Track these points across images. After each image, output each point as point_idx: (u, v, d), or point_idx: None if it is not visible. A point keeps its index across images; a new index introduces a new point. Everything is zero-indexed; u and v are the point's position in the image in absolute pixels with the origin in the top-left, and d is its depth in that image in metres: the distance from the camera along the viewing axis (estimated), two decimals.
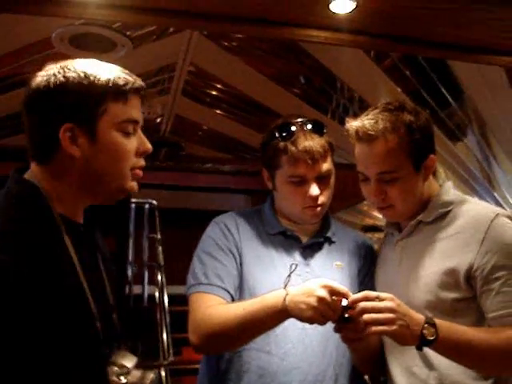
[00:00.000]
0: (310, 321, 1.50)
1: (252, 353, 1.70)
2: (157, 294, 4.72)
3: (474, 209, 1.66)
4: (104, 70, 1.22)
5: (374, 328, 1.44)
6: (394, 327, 1.43)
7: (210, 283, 1.70)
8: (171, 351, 4.32)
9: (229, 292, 1.71)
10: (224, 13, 2.17)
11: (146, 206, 5.20)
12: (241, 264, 1.76)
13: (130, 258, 4.86)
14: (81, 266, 1.19)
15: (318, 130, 1.77)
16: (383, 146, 1.61)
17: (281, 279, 1.64)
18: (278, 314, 1.53)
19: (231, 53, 2.77)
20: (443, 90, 3.18)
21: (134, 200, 4.89)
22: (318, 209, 1.78)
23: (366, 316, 1.44)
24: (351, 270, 1.83)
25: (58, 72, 1.19)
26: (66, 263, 1.17)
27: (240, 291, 1.74)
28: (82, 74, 1.19)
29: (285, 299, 1.51)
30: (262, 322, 1.57)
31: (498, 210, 1.64)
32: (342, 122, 3.59)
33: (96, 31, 2.50)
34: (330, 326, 1.68)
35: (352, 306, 1.47)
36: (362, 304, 1.46)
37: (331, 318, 1.49)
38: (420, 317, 1.48)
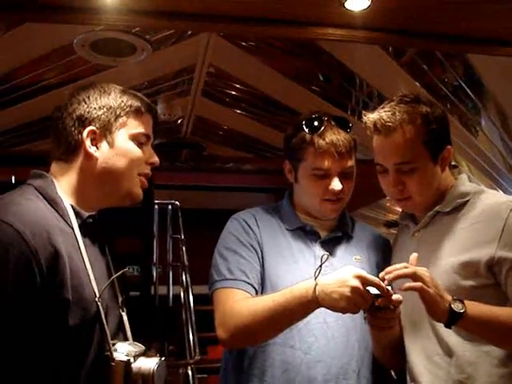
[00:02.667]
0: (343, 311, 1.51)
1: (275, 347, 1.71)
2: (182, 294, 4.76)
3: (491, 199, 1.68)
4: (127, 93, 1.46)
5: (412, 284, 1.48)
6: (431, 290, 1.47)
7: (235, 278, 1.72)
8: (197, 350, 4.36)
9: (253, 286, 1.73)
10: (240, 14, 2.18)
11: (169, 207, 5.25)
12: (262, 259, 1.78)
13: (155, 258, 4.92)
14: (88, 258, 1.34)
15: (345, 125, 1.79)
16: (401, 137, 1.63)
17: (302, 274, 1.66)
18: (308, 304, 1.54)
19: (249, 53, 2.80)
20: (462, 83, 3.16)
21: (157, 201, 4.94)
22: (338, 204, 1.80)
23: (406, 285, 1.48)
24: (370, 263, 1.85)
25: (94, 88, 1.44)
26: (77, 255, 1.31)
27: (262, 286, 1.76)
28: (111, 92, 1.44)
29: (315, 289, 1.51)
30: (292, 313, 1.58)
31: None
32: (362, 119, 3.58)
33: (116, 36, 2.55)
34: (351, 319, 1.71)
35: (382, 294, 1.49)
36: (399, 271, 1.50)
37: (363, 307, 1.50)
38: (448, 295, 1.51)
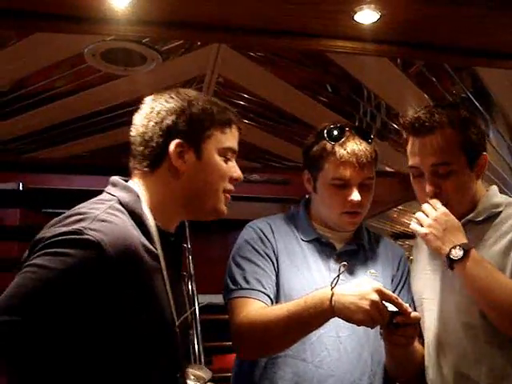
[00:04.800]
0: (360, 323, 1.49)
1: (287, 360, 1.70)
2: (188, 304, 4.75)
3: None
4: (216, 104, 1.39)
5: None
6: (427, 231, 1.56)
7: (251, 288, 1.70)
8: (202, 360, 4.34)
9: (269, 296, 1.71)
10: (250, 26, 2.20)
11: None
12: (277, 269, 1.76)
13: None
14: (168, 278, 1.29)
15: (366, 136, 1.79)
16: (439, 138, 1.62)
17: (316, 285, 1.65)
18: (323, 314, 1.52)
19: (258, 63, 2.81)
20: (470, 96, 3.17)
21: None
22: (357, 217, 1.78)
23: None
24: (384, 278, 1.83)
25: (182, 97, 1.36)
26: (156, 276, 1.26)
27: (276, 297, 1.74)
28: (199, 104, 1.36)
29: (331, 299, 1.50)
30: (306, 323, 1.56)
31: None
32: (370, 130, 3.60)
33: (126, 46, 2.58)
34: (364, 334, 1.70)
35: (400, 312, 1.48)
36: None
37: (380, 323, 1.49)
38: (459, 238, 1.56)
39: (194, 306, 4.64)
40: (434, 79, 2.95)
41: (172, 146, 1.32)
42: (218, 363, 5.20)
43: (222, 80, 3.05)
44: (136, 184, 1.35)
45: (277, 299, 1.74)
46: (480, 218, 1.69)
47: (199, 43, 2.59)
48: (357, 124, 3.52)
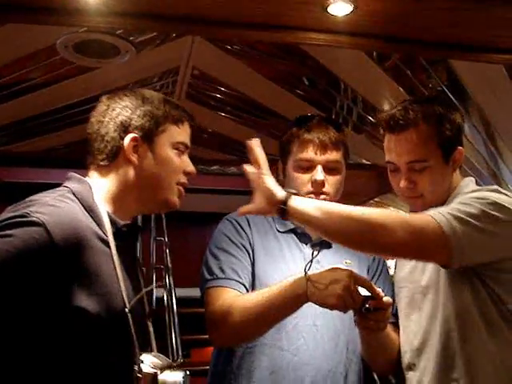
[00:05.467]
0: (333, 307, 1.52)
1: (264, 349, 1.72)
2: (165, 297, 4.74)
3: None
4: (169, 102, 1.47)
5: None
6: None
7: (227, 277, 1.72)
8: (180, 353, 4.34)
9: (245, 286, 1.73)
10: (224, 18, 2.19)
11: None
12: (253, 260, 1.78)
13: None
14: (121, 264, 1.33)
15: (336, 126, 1.83)
16: (415, 135, 1.64)
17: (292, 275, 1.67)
18: (297, 299, 1.55)
19: (233, 56, 2.80)
20: (446, 90, 3.18)
21: None
22: (322, 197, 1.79)
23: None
24: (360, 268, 1.85)
25: (137, 95, 1.44)
26: (105, 259, 1.29)
27: (252, 287, 1.76)
28: (154, 100, 1.43)
29: (305, 284, 1.52)
30: (281, 308, 1.59)
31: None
32: (346, 123, 3.61)
33: (99, 38, 2.54)
34: (340, 323, 1.73)
35: (373, 296, 1.50)
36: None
37: (353, 307, 1.51)
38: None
39: (170, 300, 4.63)
40: (409, 73, 2.96)
41: (127, 140, 1.38)
42: (196, 356, 5.20)
43: (197, 73, 3.03)
44: (92, 177, 1.41)
45: (253, 289, 1.75)
46: None
47: (174, 35, 2.57)
48: (333, 117, 3.53)
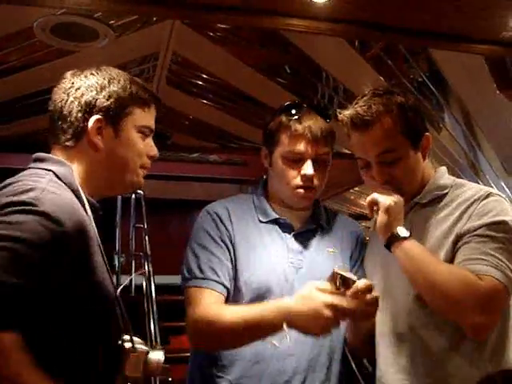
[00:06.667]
0: (317, 337, 1.58)
1: None
2: (144, 284, 4.74)
3: (469, 192, 1.68)
4: (136, 83, 1.43)
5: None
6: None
7: (204, 277, 1.71)
8: (158, 340, 4.34)
9: (224, 285, 1.72)
10: (204, 2, 2.17)
11: (133, 196, 5.20)
12: (234, 254, 1.77)
13: (117, 248, 4.87)
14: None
15: (324, 114, 1.81)
16: (380, 129, 1.64)
17: (274, 266, 1.72)
18: (277, 329, 1.57)
19: (214, 42, 2.77)
20: (426, 80, 3.19)
21: None
22: (311, 192, 1.79)
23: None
24: (343, 256, 1.85)
25: (103, 74, 1.39)
26: (96, 247, 1.29)
27: (235, 281, 1.75)
28: (120, 80, 1.40)
29: (287, 318, 1.53)
30: (262, 332, 1.62)
31: (492, 190, 1.66)
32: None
33: (78, 21, 2.50)
34: None
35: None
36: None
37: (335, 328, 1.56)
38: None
39: (149, 287, 4.62)
40: (390, 63, 2.96)
41: (91, 122, 1.35)
42: (175, 343, 5.21)
43: (179, 59, 3.00)
44: (61, 157, 1.36)
45: (236, 284, 1.75)
46: (425, 201, 1.71)
47: (154, 19, 2.54)
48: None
